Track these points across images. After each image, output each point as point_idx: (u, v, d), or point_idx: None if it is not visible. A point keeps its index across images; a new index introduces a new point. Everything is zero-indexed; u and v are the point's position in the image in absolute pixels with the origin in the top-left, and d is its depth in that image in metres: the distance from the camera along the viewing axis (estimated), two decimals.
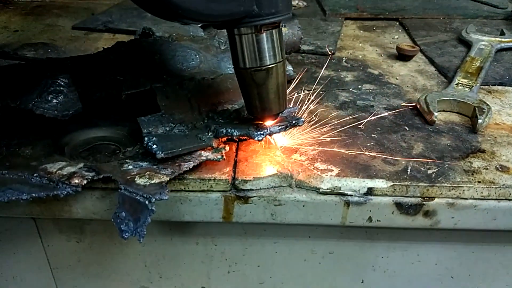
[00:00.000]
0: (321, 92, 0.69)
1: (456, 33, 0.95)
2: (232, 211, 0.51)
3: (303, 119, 0.53)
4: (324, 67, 0.76)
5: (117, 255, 0.62)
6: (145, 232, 0.43)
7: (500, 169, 0.53)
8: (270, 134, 0.51)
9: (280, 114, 0.52)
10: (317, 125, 0.60)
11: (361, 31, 0.97)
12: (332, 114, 0.63)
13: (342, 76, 0.75)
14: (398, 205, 0.50)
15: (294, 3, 1.08)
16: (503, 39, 0.87)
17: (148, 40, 0.62)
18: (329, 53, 0.81)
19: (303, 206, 0.50)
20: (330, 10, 1.06)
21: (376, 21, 1.03)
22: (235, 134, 0.51)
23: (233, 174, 0.50)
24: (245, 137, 0.51)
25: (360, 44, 0.89)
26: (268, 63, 0.46)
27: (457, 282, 0.62)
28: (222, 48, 0.65)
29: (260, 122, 0.51)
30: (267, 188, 0.50)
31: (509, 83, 0.74)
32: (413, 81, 0.74)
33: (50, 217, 0.53)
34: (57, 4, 1.08)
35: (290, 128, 0.53)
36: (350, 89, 0.71)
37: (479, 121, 0.59)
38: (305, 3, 1.10)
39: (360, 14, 1.04)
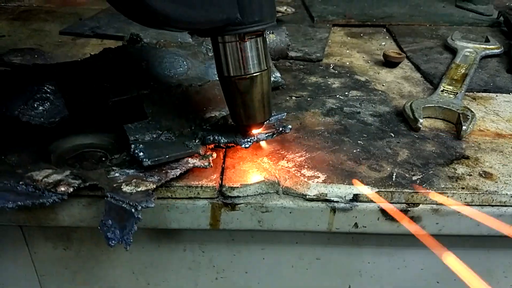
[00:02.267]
0: (308, 99, 0.70)
1: (442, 40, 0.96)
2: (219, 218, 0.51)
3: (290, 126, 0.53)
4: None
5: (104, 263, 0.61)
6: (131, 240, 0.43)
7: (483, 176, 0.53)
8: (257, 142, 0.51)
9: (267, 121, 0.52)
10: (304, 131, 0.60)
11: (349, 38, 0.98)
12: (319, 121, 0.64)
13: (329, 82, 0.76)
14: (384, 211, 0.51)
15: (282, 9, 1.08)
16: (487, 46, 0.89)
17: (136, 46, 0.62)
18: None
19: (290, 212, 0.51)
20: (318, 16, 1.07)
21: (363, 27, 1.04)
22: (222, 141, 0.51)
23: (220, 181, 0.50)
24: (232, 144, 0.51)
25: (348, 51, 0.90)
26: (252, 72, 0.47)
27: (442, 286, 0.63)
28: (210, 54, 0.65)
29: (247, 130, 0.51)
30: (254, 195, 0.50)
31: (493, 90, 0.76)
32: (399, 88, 0.75)
33: (36, 225, 0.53)
34: (44, 9, 1.07)
35: (278, 135, 0.53)
36: (337, 96, 0.71)
37: (463, 127, 0.60)
38: (293, 9, 1.11)
39: (348, 21, 1.05)
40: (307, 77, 0.78)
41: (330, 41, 0.94)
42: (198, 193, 0.49)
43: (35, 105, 0.51)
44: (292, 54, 0.84)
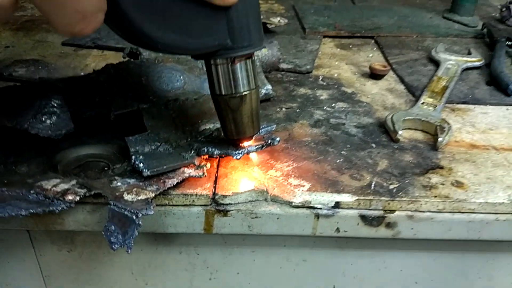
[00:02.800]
0: (297, 110, 0.75)
1: (427, 51, 1.01)
2: (213, 223, 0.56)
3: (278, 139, 0.58)
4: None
5: (105, 264, 0.66)
6: (132, 244, 0.47)
7: (455, 185, 0.58)
8: (248, 153, 0.56)
9: (256, 134, 0.57)
10: (292, 142, 0.65)
11: (338, 49, 1.02)
12: (307, 132, 0.68)
13: (317, 94, 0.81)
14: (363, 217, 0.55)
15: (275, 20, 1.13)
16: (469, 59, 0.94)
17: (136, 62, 0.66)
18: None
19: (278, 218, 0.55)
20: (310, 28, 1.11)
21: (352, 39, 1.09)
22: (215, 153, 0.56)
23: (213, 190, 0.55)
24: (225, 155, 0.56)
25: (336, 63, 0.95)
26: (242, 91, 0.51)
27: (420, 287, 0.68)
28: (205, 69, 0.69)
29: (238, 143, 0.56)
30: (245, 202, 0.55)
31: (471, 102, 0.80)
32: (383, 100, 0.80)
33: (44, 229, 0.57)
34: (46, 20, 1.11)
35: (267, 147, 0.58)
36: (325, 107, 0.76)
37: (439, 139, 0.65)
38: (286, 20, 1.15)
39: (338, 32, 1.10)
40: (297, 88, 0.82)
41: (320, 52, 0.99)
42: (193, 200, 0.54)
43: (43, 118, 0.55)
44: (283, 66, 0.88)
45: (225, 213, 0.55)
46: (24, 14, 1.15)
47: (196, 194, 0.54)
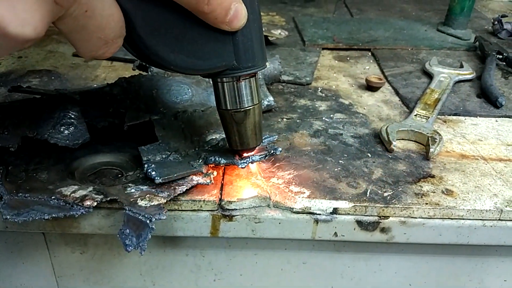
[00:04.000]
0: (297, 121, 0.79)
1: (421, 64, 1.05)
2: (219, 227, 0.60)
3: (280, 149, 0.62)
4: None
5: (116, 265, 0.70)
6: (146, 246, 0.51)
7: (445, 193, 0.62)
8: (252, 162, 0.60)
9: (260, 144, 0.61)
10: (293, 151, 0.69)
11: (336, 61, 1.07)
12: (307, 141, 0.72)
13: (316, 105, 0.85)
14: (359, 223, 0.60)
15: (276, 33, 1.18)
16: (461, 72, 0.98)
17: (147, 76, 0.71)
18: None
19: (279, 223, 0.59)
20: (309, 40, 1.16)
21: (350, 51, 1.14)
22: (222, 162, 0.60)
23: (220, 196, 0.59)
24: (231, 164, 0.60)
25: (334, 75, 0.99)
26: (246, 106, 0.55)
27: None
28: (211, 83, 0.74)
29: (242, 153, 0.60)
30: (249, 208, 0.59)
31: (462, 114, 0.85)
32: (379, 111, 0.84)
33: (60, 232, 0.61)
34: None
35: (270, 156, 0.62)
36: (323, 118, 0.80)
37: (431, 150, 0.69)
38: (286, 33, 1.20)
39: (336, 45, 1.15)
40: (297, 99, 0.87)
41: (319, 64, 1.03)
42: (201, 206, 0.58)
43: (61, 129, 0.59)
44: (284, 78, 0.93)
45: (230, 218, 0.59)
46: None
47: (204, 200, 0.58)
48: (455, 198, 0.61)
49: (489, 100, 0.89)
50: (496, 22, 1.29)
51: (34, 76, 0.88)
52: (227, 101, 0.55)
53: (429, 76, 0.99)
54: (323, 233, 0.60)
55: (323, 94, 0.90)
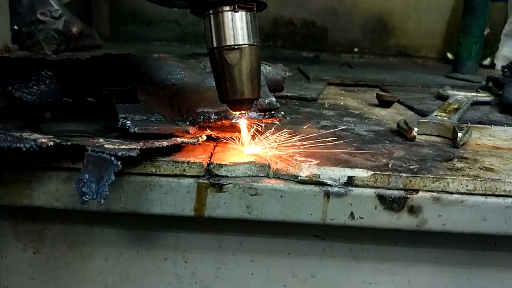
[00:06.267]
0: (303, 120, 0.70)
1: (433, 95, 0.99)
2: (205, 201, 0.48)
3: (282, 112, 0.53)
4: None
5: (76, 272, 0.56)
6: (107, 193, 0.40)
7: (484, 169, 0.51)
8: (248, 119, 0.50)
9: (260, 102, 0.52)
10: (299, 136, 0.59)
11: (343, 91, 1.01)
12: (314, 131, 0.63)
13: (323, 112, 0.77)
14: (381, 198, 0.47)
15: None
16: (478, 94, 0.91)
17: (136, 55, 0.64)
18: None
19: (281, 196, 0.47)
20: (314, 76, 1.12)
21: (357, 87, 1.09)
22: (212, 117, 0.50)
23: (208, 160, 0.48)
24: (223, 120, 0.50)
25: (342, 98, 0.93)
26: (241, 43, 0.48)
27: None
28: (207, 70, 0.67)
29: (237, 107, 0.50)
30: (243, 176, 0.48)
31: (487, 123, 0.76)
32: (393, 118, 0.76)
33: (8, 202, 0.49)
34: None
35: (269, 118, 0.52)
36: (332, 119, 0.71)
37: (459, 134, 0.59)
38: (290, 74, 1.17)
39: (342, 80, 1.10)
40: (302, 108, 0.79)
41: (325, 92, 0.98)
42: (184, 169, 0.47)
43: (30, 84, 0.51)
44: (288, 94, 0.86)
45: (220, 187, 0.47)
46: None
47: (188, 162, 0.47)
48: (497, 173, 0.50)
49: None
50: (506, 70, 1.26)
51: None
52: (221, 35, 0.48)
53: (444, 99, 0.92)
54: (336, 213, 0.48)
55: (331, 107, 0.82)
